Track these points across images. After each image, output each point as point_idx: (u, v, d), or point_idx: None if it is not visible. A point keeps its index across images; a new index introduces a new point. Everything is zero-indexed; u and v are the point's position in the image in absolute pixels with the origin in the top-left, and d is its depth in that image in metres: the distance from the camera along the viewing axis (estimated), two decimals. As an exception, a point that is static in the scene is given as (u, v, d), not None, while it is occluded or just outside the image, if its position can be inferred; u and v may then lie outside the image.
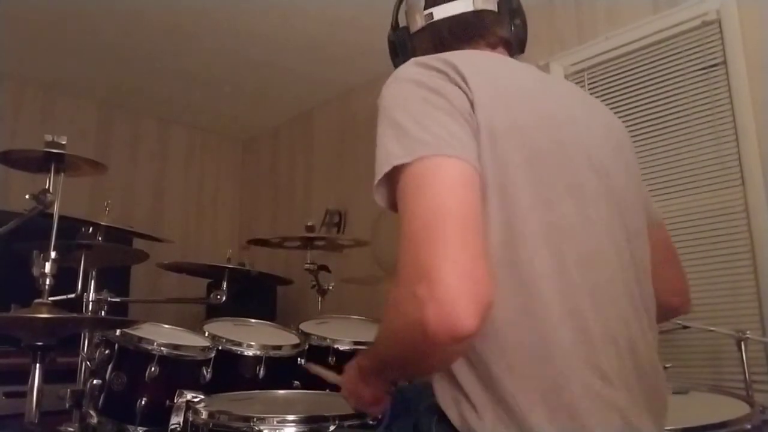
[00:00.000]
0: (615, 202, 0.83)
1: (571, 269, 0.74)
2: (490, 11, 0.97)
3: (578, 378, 0.71)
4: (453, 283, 0.61)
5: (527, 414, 0.70)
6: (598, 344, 0.74)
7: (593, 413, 0.71)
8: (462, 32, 0.96)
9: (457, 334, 0.61)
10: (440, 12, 0.97)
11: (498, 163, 0.73)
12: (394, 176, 0.71)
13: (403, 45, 1.03)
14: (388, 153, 0.71)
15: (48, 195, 1.50)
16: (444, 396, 0.77)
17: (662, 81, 2.29)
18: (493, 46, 0.97)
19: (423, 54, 0.97)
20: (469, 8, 0.96)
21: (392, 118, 0.74)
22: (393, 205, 0.73)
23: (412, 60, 0.82)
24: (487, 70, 0.81)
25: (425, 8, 0.98)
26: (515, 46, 1.01)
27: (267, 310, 3.34)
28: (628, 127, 2.40)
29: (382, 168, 0.72)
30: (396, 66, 1.02)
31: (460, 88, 0.75)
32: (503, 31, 0.98)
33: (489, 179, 0.73)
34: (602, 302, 0.76)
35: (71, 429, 1.63)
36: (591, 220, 0.78)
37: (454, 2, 0.96)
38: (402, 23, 1.06)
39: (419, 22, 1.00)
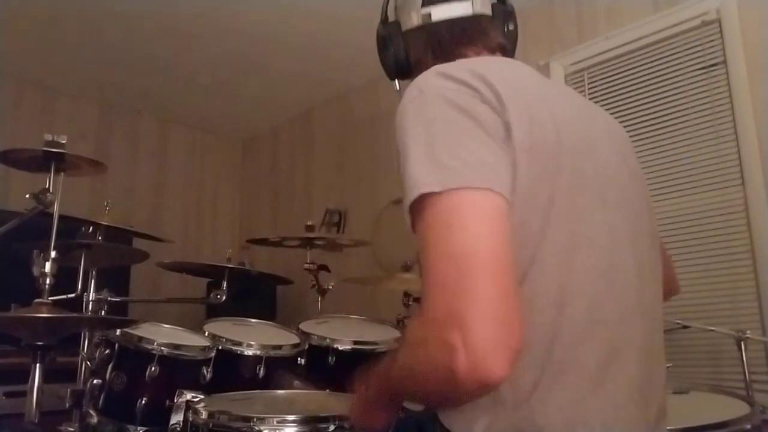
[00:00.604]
0: (629, 209, 0.83)
1: (598, 280, 0.74)
2: (487, 16, 0.97)
3: (601, 391, 0.72)
4: (487, 332, 0.60)
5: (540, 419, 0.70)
6: (622, 355, 0.74)
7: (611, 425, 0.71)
8: (462, 35, 0.95)
9: (487, 383, 0.60)
10: (439, 13, 0.95)
11: (536, 178, 0.72)
12: (417, 203, 0.68)
13: (395, 41, 1.00)
14: (415, 179, 0.68)
15: (48, 194, 1.50)
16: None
17: (662, 81, 2.29)
18: (492, 51, 0.96)
19: (416, 53, 0.97)
20: (468, 12, 0.95)
21: (418, 139, 0.71)
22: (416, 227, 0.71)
23: (434, 70, 0.77)
24: (513, 79, 0.79)
25: (422, 6, 0.97)
26: (509, 51, 1.00)
27: (267, 310, 3.34)
28: (627, 127, 2.42)
29: (411, 193, 0.68)
30: (383, 60, 1.03)
31: (492, 108, 0.72)
32: (498, 34, 0.97)
33: (525, 193, 0.71)
34: (625, 312, 0.76)
35: (71, 429, 1.63)
36: (614, 231, 0.78)
37: (453, 4, 0.95)
38: (391, 18, 1.03)
39: (414, 20, 0.98)
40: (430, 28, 0.96)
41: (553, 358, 0.71)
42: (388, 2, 1.05)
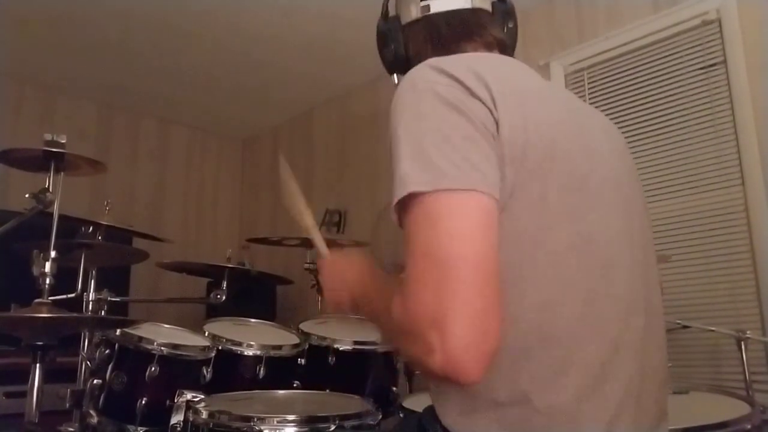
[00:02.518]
0: (627, 209, 0.83)
1: (597, 279, 0.74)
2: (486, 11, 0.97)
3: (600, 388, 0.72)
4: (464, 338, 0.62)
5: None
6: (621, 353, 0.74)
7: (615, 421, 0.71)
8: (460, 28, 0.94)
9: (460, 383, 0.63)
10: (438, 5, 0.95)
11: (529, 175, 0.72)
12: (405, 200, 0.69)
13: (394, 35, 1.00)
14: (406, 175, 0.69)
15: (48, 194, 1.50)
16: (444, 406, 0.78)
17: (662, 80, 2.29)
18: (489, 47, 0.96)
19: (416, 47, 0.96)
20: (467, 5, 0.95)
21: (409, 135, 0.71)
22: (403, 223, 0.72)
23: (429, 63, 0.77)
24: (508, 76, 0.79)
25: None
26: (508, 49, 1.00)
27: (267, 310, 3.34)
28: (627, 126, 2.42)
29: (400, 190, 0.69)
30: (383, 57, 1.02)
31: (483, 103, 0.71)
32: (498, 31, 0.97)
33: (517, 191, 0.71)
34: (624, 310, 0.76)
35: (71, 429, 1.63)
36: (613, 229, 0.78)
37: None
38: (392, 14, 1.03)
39: (414, 13, 0.97)
40: (429, 20, 0.96)
41: (552, 357, 0.71)
42: None
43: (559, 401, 0.70)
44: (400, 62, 0.99)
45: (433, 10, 0.95)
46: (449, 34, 0.94)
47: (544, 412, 0.70)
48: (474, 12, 0.95)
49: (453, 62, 0.76)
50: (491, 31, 0.96)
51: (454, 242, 0.65)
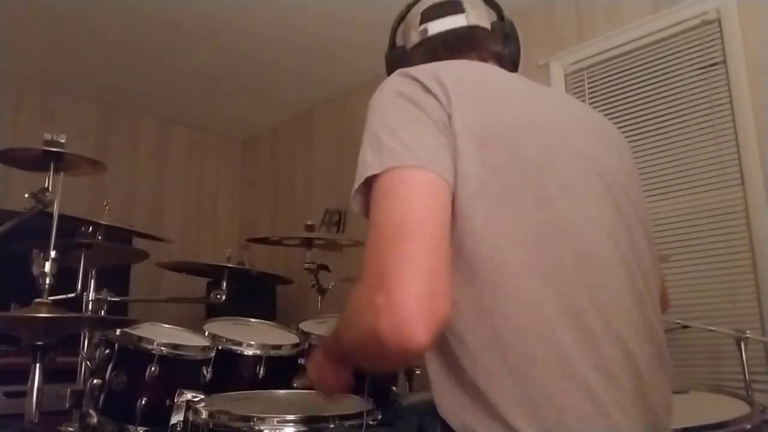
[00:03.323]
0: (614, 202, 0.82)
1: (567, 268, 0.74)
2: (483, 28, 1.02)
3: (580, 378, 0.71)
4: (410, 295, 0.62)
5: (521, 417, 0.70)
6: (601, 343, 0.73)
7: (594, 414, 0.70)
8: (455, 44, 0.99)
9: (408, 347, 0.62)
10: (435, 27, 1.01)
11: (486, 167, 0.74)
12: (369, 186, 0.73)
13: (401, 62, 1.04)
14: (364, 164, 0.74)
15: (47, 194, 1.50)
16: (446, 403, 0.77)
17: (662, 80, 2.29)
18: (483, 60, 0.99)
19: None
20: (463, 23, 1.01)
21: (371, 129, 0.77)
22: (368, 213, 0.74)
23: (398, 71, 0.83)
24: (470, 76, 0.83)
25: (420, 24, 1.02)
26: (508, 65, 1.02)
27: (267, 310, 3.34)
28: (627, 126, 2.42)
29: (358, 179, 0.74)
30: None
31: (436, 98, 0.76)
32: (495, 46, 1.01)
33: (478, 183, 0.73)
34: (603, 301, 0.75)
35: (71, 429, 1.63)
36: (589, 219, 0.78)
37: (448, 18, 1.01)
38: (399, 44, 1.09)
39: (414, 38, 1.04)
40: (427, 42, 1.01)
41: (528, 350, 0.71)
42: (396, 29, 1.11)
43: (543, 394, 0.70)
44: None
45: (431, 32, 1.01)
46: (443, 51, 0.98)
47: (531, 404, 0.70)
48: (470, 29, 1.01)
49: (419, 68, 0.82)
50: (486, 45, 1.00)
51: (403, 205, 0.68)
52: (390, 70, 1.06)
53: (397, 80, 0.80)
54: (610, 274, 0.78)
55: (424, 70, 0.80)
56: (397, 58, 1.06)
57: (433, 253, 0.65)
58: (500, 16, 1.08)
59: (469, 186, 0.73)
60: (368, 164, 0.73)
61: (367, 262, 0.68)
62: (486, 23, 1.03)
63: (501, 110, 0.79)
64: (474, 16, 1.02)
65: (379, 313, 0.62)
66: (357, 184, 0.74)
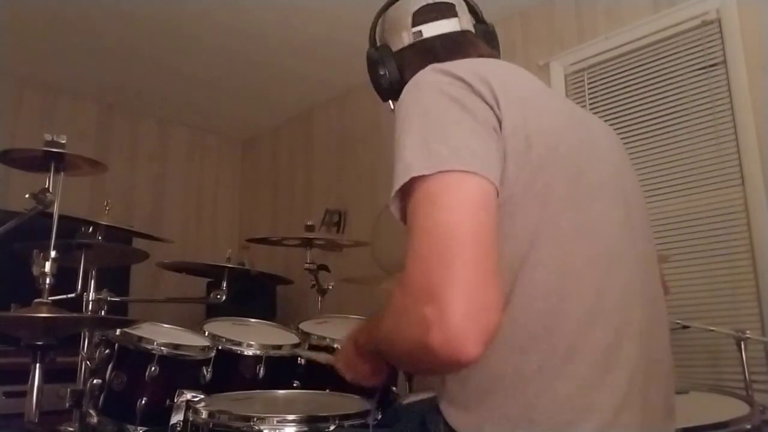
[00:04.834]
0: (626, 203, 0.84)
1: (601, 268, 0.75)
2: (471, 32, 1.06)
3: (607, 379, 0.71)
4: (462, 310, 0.61)
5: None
6: (624, 343, 0.74)
7: (608, 412, 0.71)
8: (454, 47, 1.01)
9: (460, 361, 0.62)
10: (430, 30, 1.03)
11: (531, 168, 0.73)
12: (408, 188, 0.70)
13: (387, 62, 1.07)
14: (407, 164, 0.70)
15: (48, 194, 1.50)
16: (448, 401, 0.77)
17: (662, 80, 2.29)
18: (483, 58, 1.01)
19: (413, 69, 0.99)
20: (456, 28, 1.03)
21: (412, 128, 0.73)
22: (405, 216, 0.72)
23: (432, 67, 0.80)
24: (509, 78, 0.81)
25: (413, 26, 1.04)
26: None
27: (267, 310, 3.34)
28: (627, 127, 2.42)
29: (400, 179, 0.70)
30: (378, 83, 1.09)
31: (483, 99, 0.74)
32: (485, 48, 1.04)
33: (522, 185, 0.72)
34: (629, 300, 0.77)
35: (71, 429, 1.63)
36: (612, 221, 0.79)
37: (442, 21, 1.03)
38: (380, 42, 1.11)
39: (406, 40, 1.05)
40: (423, 43, 1.03)
41: (558, 347, 0.71)
42: (375, 29, 1.14)
43: (566, 389, 0.70)
44: (395, 87, 1.06)
45: (426, 35, 1.03)
46: (444, 52, 0.99)
47: (551, 400, 0.69)
48: (463, 33, 1.04)
49: (456, 65, 0.79)
50: (480, 46, 1.04)
51: (453, 214, 0.66)
52: (374, 69, 1.09)
53: (437, 78, 0.77)
54: (630, 274, 0.79)
55: (464, 68, 0.78)
56: (384, 57, 1.07)
57: (483, 264, 0.64)
58: (479, 19, 1.11)
59: (513, 187, 0.72)
60: (412, 165, 0.69)
61: (412, 273, 0.66)
62: (470, 27, 1.07)
63: (543, 110, 0.79)
64: (465, 20, 1.05)
65: (430, 328, 0.61)
66: (398, 184, 0.71)
